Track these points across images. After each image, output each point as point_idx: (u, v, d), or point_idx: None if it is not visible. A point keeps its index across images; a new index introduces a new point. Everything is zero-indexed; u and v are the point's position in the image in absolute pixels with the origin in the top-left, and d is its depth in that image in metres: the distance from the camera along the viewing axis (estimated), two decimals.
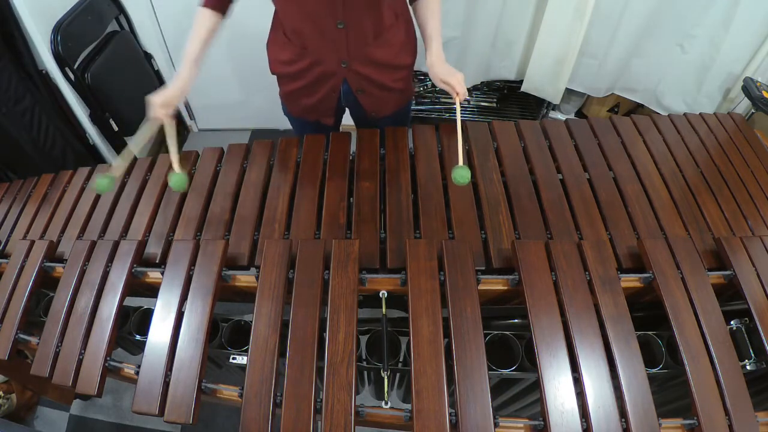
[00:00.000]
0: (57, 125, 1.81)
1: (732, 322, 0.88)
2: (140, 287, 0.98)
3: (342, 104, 1.20)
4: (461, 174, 0.90)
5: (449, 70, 1.05)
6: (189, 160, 1.18)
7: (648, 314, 0.93)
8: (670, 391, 0.97)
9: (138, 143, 1.03)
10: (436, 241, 0.85)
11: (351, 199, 1.04)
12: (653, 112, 2.06)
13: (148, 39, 2.15)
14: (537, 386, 0.72)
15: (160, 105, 0.99)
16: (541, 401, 0.71)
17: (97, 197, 1.15)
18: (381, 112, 1.22)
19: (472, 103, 2.46)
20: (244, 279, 0.92)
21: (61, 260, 1.02)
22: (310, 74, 1.10)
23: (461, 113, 1.04)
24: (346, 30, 1.00)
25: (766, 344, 0.80)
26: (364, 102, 1.17)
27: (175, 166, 1.01)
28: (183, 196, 1.10)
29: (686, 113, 1.29)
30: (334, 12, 0.97)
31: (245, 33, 2.13)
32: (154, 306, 0.85)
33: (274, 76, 1.19)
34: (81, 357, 0.83)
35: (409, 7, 1.11)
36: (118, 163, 1.05)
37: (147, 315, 1.00)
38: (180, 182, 1.01)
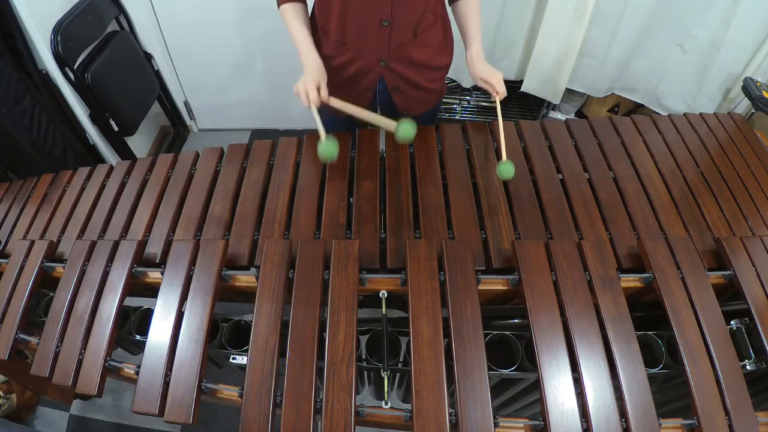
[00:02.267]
0: (57, 125, 1.81)
1: (732, 322, 0.88)
2: (140, 287, 0.98)
3: (377, 102, 1.21)
4: (506, 169, 0.98)
5: (489, 69, 1.08)
6: (189, 160, 1.18)
7: (648, 314, 0.94)
8: (670, 391, 0.97)
9: (320, 129, 1.01)
10: (436, 241, 0.85)
11: (351, 199, 1.04)
12: (653, 112, 2.06)
13: (148, 39, 2.15)
14: (537, 386, 0.72)
15: (315, 88, 1.00)
16: (541, 401, 0.71)
17: (98, 197, 1.15)
18: (412, 111, 1.23)
19: (471, 102, 2.46)
20: (244, 279, 0.92)
21: (61, 260, 1.02)
22: (348, 70, 1.12)
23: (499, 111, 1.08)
24: (390, 28, 1.02)
25: (766, 344, 0.80)
26: (398, 101, 1.18)
27: (322, 134, 0.99)
28: (183, 197, 1.10)
29: (686, 113, 1.29)
30: (381, 10, 0.99)
31: (247, 33, 2.14)
32: (154, 306, 0.85)
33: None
34: (81, 357, 0.83)
35: (448, 7, 1.12)
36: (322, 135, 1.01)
37: (147, 315, 1.00)
38: (331, 151, 0.98)
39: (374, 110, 1.27)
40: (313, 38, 1.13)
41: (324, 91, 1.02)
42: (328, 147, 0.98)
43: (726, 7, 1.68)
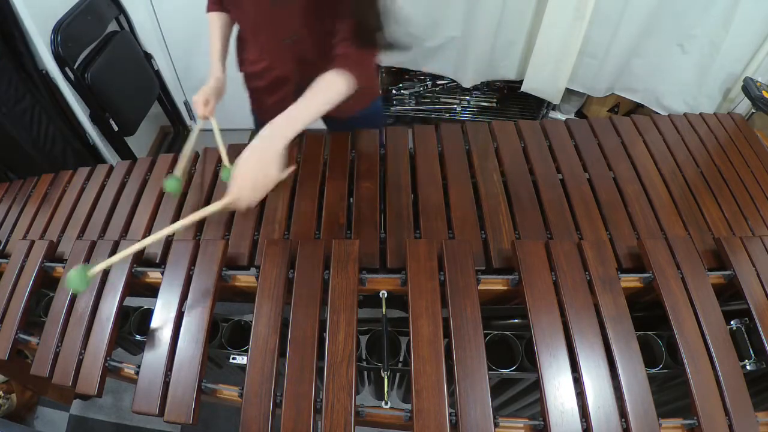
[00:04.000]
0: (57, 125, 1.81)
1: (732, 322, 0.88)
2: (140, 287, 0.98)
3: None
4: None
5: (248, 162, 0.77)
6: (189, 160, 1.18)
7: (648, 314, 0.93)
8: (670, 391, 0.97)
9: (191, 142, 1.11)
10: (436, 241, 0.85)
11: (351, 199, 1.04)
12: (653, 112, 2.06)
13: (148, 39, 2.15)
14: (537, 386, 0.72)
15: (202, 103, 1.07)
16: (541, 401, 0.71)
17: (98, 197, 1.15)
18: (345, 112, 1.20)
19: (472, 103, 2.46)
20: (244, 279, 0.92)
21: (61, 260, 1.02)
22: (268, 76, 1.12)
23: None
24: (292, 45, 1.02)
25: (766, 344, 0.80)
26: None
27: (225, 159, 1.06)
28: (182, 197, 1.10)
29: (686, 113, 1.29)
30: (278, 31, 0.99)
31: None
32: (154, 306, 0.85)
33: None
34: (81, 357, 0.83)
35: None
36: (180, 164, 1.10)
37: (147, 315, 1.00)
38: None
39: None
40: (241, 42, 1.15)
41: (210, 109, 1.09)
42: (172, 183, 1.05)
43: (726, 7, 1.68)
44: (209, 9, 1.13)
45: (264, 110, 1.24)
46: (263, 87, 1.16)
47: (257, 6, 0.98)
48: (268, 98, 1.19)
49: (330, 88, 0.88)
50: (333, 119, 1.23)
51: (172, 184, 1.05)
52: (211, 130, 1.16)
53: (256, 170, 0.76)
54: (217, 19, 1.12)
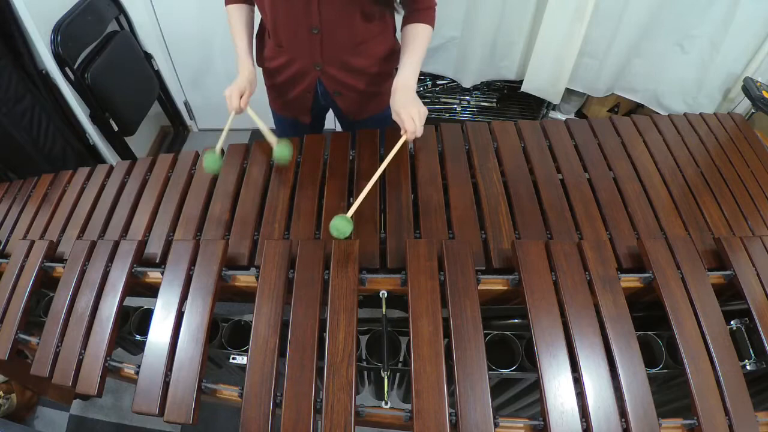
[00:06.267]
0: (57, 125, 1.81)
1: (732, 322, 0.88)
2: (140, 287, 0.98)
3: (321, 104, 1.21)
4: (338, 227, 0.84)
5: (406, 101, 0.94)
6: (189, 160, 1.18)
7: (648, 314, 0.94)
8: (670, 391, 0.97)
9: (224, 135, 1.07)
10: (436, 241, 0.85)
11: (351, 199, 1.04)
12: (653, 112, 2.06)
13: (148, 39, 2.15)
14: (537, 386, 0.72)
15: (237, 95, 1.04)
16: (541, 401, 0.71)
17: (98, 197, 1.15)
18: (359, 114, 1.22)
19: (472, 103, 2.46)
20: (244, 279, 0.92)
21: (61, 260, 1.02)
22: (287, 71, 1.12)
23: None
24: (320, 35, 1.01)
25: (766, 344, 0.80)
26: (342, 104, 1.18)
27: (273, 141, 1.07)
28: (183, 197, 1.10)
29: (686, 113, 1.29)
30: (308, 18, 0.98)
31: None
32: (154, 306, 0.85)
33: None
34: (81, 357, 0.83)
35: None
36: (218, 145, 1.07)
37: (147, 315, 1.00)
38: (283, 153, 1.06)
39: (323, 113, 1.33)
40: (262, 36, 1.14)
41: (245, 101, 1.06)
42: (282, 150, 1.06)
43: (726, 7, 1.68)
44: (228, 2, 1.11)
45: (283, 106, 1.25)
46: (279, 83, 1.16)
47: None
48: (284, 95, 1.19)
49: (426, 39, 1.02)
50: (349, 120, 1.24)
51: (212, 160, 1.04)
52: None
53: (417, 106, 0.94)
54: (237, 11, 1.09)
